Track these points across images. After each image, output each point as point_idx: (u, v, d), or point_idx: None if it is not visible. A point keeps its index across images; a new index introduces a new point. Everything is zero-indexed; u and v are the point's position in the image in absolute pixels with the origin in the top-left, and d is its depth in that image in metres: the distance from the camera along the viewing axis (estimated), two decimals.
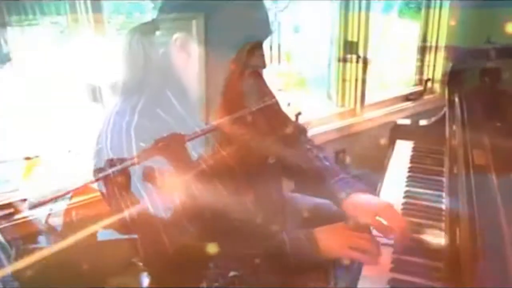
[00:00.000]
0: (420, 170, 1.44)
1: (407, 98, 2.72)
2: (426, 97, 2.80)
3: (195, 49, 0.97)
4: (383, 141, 1.79)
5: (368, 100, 2.50)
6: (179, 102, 1.01)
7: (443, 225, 1.13)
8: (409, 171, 1.46)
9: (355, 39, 2.34)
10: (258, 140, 1.10)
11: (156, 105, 0.99)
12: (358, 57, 2.36)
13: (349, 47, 2.37)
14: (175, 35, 0.98)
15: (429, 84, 2.82)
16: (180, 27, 0.98)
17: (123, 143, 0.93)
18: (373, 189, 1.31)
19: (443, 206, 1.21)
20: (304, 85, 2.91)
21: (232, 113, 1.01)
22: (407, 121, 1.78)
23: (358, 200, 1.14)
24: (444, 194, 1.26)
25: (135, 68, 1.01)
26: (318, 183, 1.23)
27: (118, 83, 1.03)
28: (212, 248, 0.95)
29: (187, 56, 0.99)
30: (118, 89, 1.03)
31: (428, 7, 2.78)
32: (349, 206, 1.15)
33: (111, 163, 0.84)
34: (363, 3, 2.28)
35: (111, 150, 0.94)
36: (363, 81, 2.41)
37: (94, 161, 0.98)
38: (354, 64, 2.38)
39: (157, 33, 1.01)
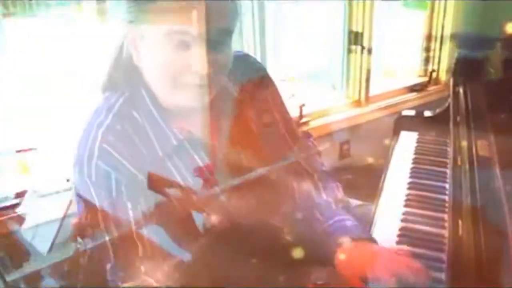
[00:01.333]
0: (424, 162, 1.44)
1: (412, 89, 2.70)
2: (431, 88, 2.78)
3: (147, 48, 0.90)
4: (387, 132, 1.78)
5: (373, 91, 2.50)
6: (153, 104, 0.95)
7: (446, 216, 1.12)
8: (413, 163, 1.45)
9: (359, 30, 2.33)
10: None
11: (131, 107, 0.94)
12: (363, 47, 2.35)
13: (354, 37, 2.36)
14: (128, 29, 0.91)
15: (434, 74, 2.81)
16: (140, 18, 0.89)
17: (88, 143, 0.91)
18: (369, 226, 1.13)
19: (447, 198, 1.21)
20: (308, 76, 2.91)
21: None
22: (412, 112, 1.77)
23: (353, 255, 0.95)
24: (447, 186, 1.25)
25: (112, 62, 0.97)
26: (308, 226, 1.04)
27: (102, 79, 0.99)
28: None
29: (139, 55, 0.92)
30: (100, 85, 0.99)
31: None
32: (342, 263, 0.95)
33: None
34: None
35: (76, 148, 0.92)
36: (368, 72, 2.40)
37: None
38: (358, 54, 2.37)
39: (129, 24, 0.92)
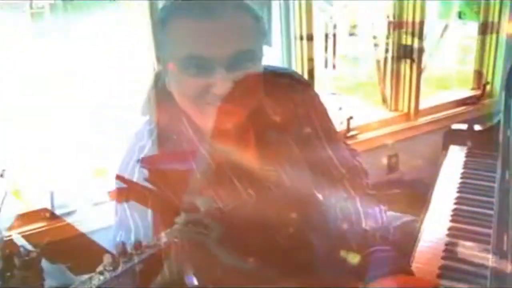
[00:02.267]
0: (472, 176, 1.41)
1: (464, 102, 2.64)
2: (484, 101, 2.71)
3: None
4: (436, 146, 1.76)
5: (423, 104, 2.47)
6: (191, 127, 0.96)
7: (491, 232, 1.11)
8: (461, 177, 1.43)
9: (409, 43, 2.31)
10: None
11: (171, 131, 0.96)
12: (412, 60, 2.33)
13: (403, 50, 2.34)
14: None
15: (487, 88, 2.74)
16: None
17: (129, 165, 0.95)
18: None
19: (493, 213, 1.18)
20: (357, 89, 2.91)
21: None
22: (462, 126, 1.74)
23: None
24: (494, 201, 1.23)
25: (150, 88, 1.00)
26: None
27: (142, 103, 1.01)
28: None
29: (170, 81, 0.95)
30: (141, 108, 1.01)
31: (487, 5, 2.68)
32: None
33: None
34: (418, 3, 2.25)
35: (118, 168, 0.96)
36: (418, 85, 2.37)
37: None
38: (408, 67, 2.36)
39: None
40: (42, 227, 1.54)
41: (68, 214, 1.57)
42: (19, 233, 1.38)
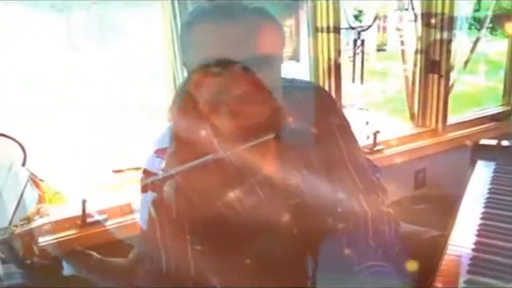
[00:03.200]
0: (499, 192, 1.41)
1: (492, 118, 2.62)
2: None
3: None
4: (464, 161, 1.76)
5: (451, 119, 2.45)
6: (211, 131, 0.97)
7: None
8: (488, 193, 1.43)
9: (437, 58, 2.31)
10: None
11: (191, 134, 0.95)
12: (441, 76, 2.32)
13: (431, 65, 2.34)
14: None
15: None
16: None
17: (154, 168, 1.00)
18: None
19: None
20: (385, 105, 2.91)
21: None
22: (489, 142, 1.74)
23: None
24: None
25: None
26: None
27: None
28: None
29: None
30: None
31: None
32: None
33: None
34: (446, 19, 2.25)
35: (142, 171, 1.02)
36: (445, 101, 2.36)
37: None
38: (436, 83, 2.35)
39: None
40: (73, 234, 1.58)
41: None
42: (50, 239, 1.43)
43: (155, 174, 0.98)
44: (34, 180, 1.35)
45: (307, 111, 1.08)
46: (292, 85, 1.07)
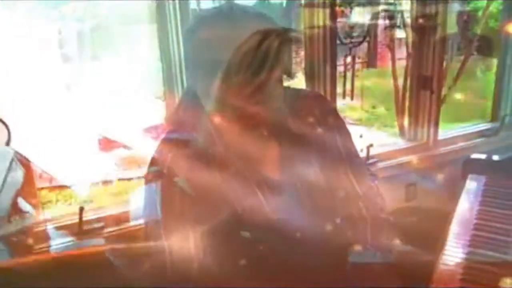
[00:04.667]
0: (491, 204, 1.45)
1: (482, 134, 2.67)
2: (503, 133, 2.73)
3: None
4: (455, 175, 1.79)
5: (442, 135, 2.50)
6: (216, 135, 0.99)
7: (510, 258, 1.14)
8: (479, 205, 1.46)
9: (428, 74, 2.35)
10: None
11: (195, 135, 1.00)
12: (432, 92, 2.36)
13: (423, 82, 2.39)
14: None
15: (506, 119, 2.76)
16: None
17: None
18: None
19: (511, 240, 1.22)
20: (376, 120, 2.94)
21: None
22: (480, 156, 1.78)
23: None
24: None
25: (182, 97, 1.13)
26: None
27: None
28: None
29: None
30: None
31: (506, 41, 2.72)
32: None
33: None
34: (437, 37, 2.30)
35: (148, 166, 1.04)
36: (437, 116, 2.41)
37: None
38: (427, 99, 2.39)
39: None
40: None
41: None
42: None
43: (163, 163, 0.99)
44: (20, 159, 1.35)
45: (309, 115, 1.10)
46: (295, 90, 1.11)
